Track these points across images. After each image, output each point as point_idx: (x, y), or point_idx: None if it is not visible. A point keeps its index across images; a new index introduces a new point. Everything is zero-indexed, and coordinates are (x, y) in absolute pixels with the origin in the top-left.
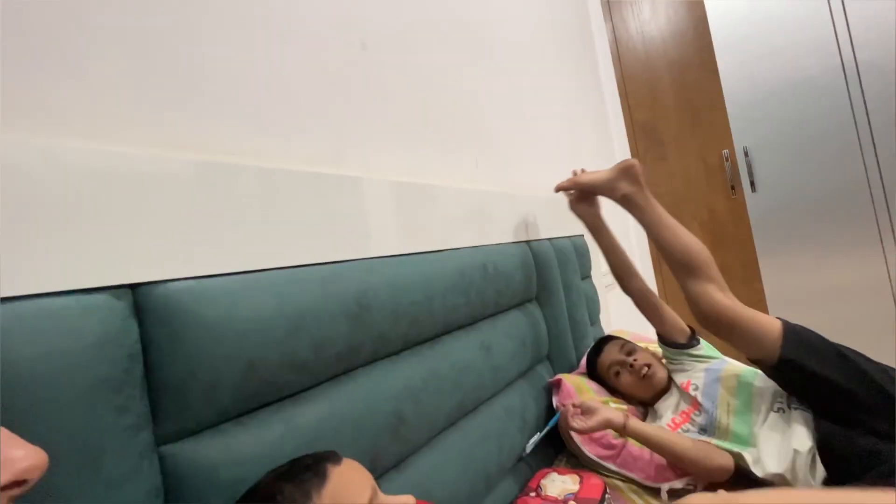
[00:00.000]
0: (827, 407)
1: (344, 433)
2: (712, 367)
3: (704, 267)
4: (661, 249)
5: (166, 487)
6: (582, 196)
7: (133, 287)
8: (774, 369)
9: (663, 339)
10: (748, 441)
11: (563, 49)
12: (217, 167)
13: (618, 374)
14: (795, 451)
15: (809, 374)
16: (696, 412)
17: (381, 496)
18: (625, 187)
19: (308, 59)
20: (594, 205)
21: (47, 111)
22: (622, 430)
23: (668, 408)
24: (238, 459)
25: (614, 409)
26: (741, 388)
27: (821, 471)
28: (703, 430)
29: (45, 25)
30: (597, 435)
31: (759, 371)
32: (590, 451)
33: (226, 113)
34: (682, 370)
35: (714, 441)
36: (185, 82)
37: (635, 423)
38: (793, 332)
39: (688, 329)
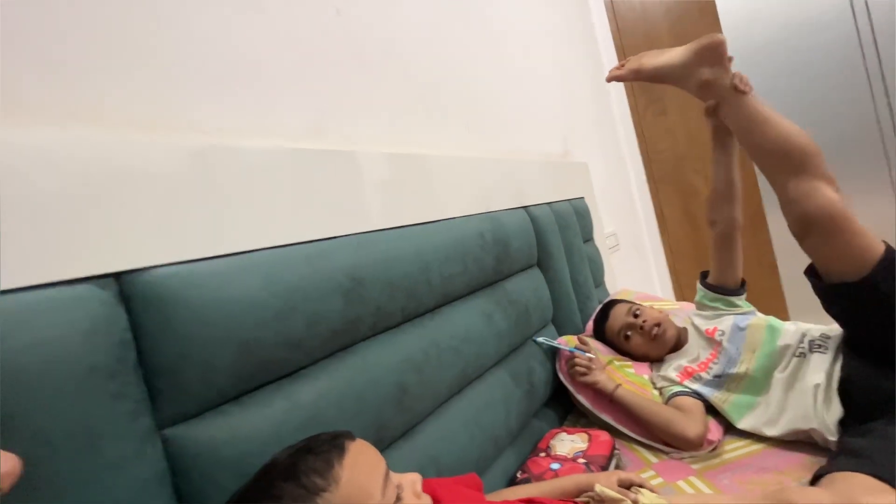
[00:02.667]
0: (869, 340)
1: (347, 407)
2: (743, 317)
3: (816, 160)
4: (757, 148)
5: (173, 469)
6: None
7: (117, 276)
8: (845, 287)
9: (709, 284)
10: (762, 388)
11: (553, 5)
12: (195, 150)
13: (628, 337)
14: (815, 386)
15: (881, 300)
16: (715, 360)
17: (392, 473)
18: (706, 73)
19: (278, 29)
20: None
21: (18, 101)
22: (612, 393)
23: (681, 357)
24: (242, 437)
25: (607, 377)
26: (770, 334)
27: (836, 409)
28: (717, 377)
29: (10, 15)
30: (606, 395)
31: (786, 324)
32: (597, 409)
33: (199, 93)
34: (714, 317)
35: (717, 395)
36: (157, 65)
37: (622, 393)
38: (890, 259)
39: (740, 279)
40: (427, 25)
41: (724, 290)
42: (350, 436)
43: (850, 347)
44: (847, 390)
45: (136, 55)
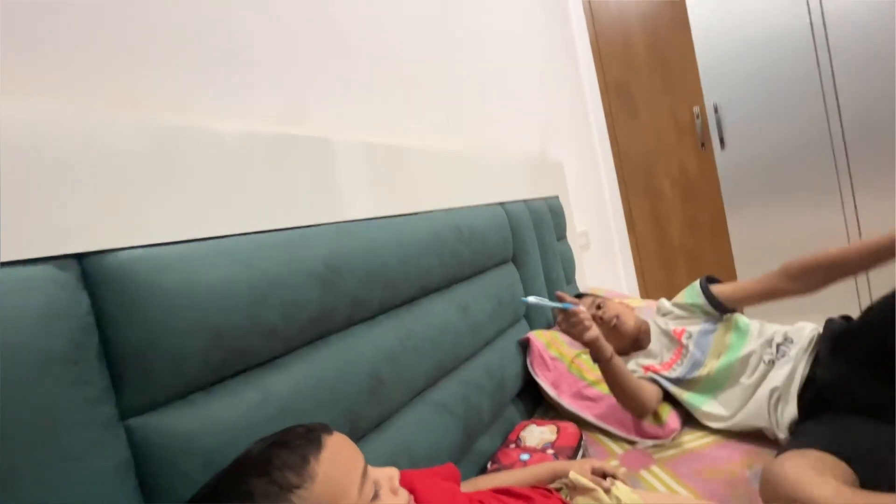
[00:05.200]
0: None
1: (322, 397)
2: (711, 323)
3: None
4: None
5: (136, 459)
6: None
7: (79, 257)
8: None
9: (712, 295)
10: (721, 386)
11: (535, 4)
12: (165, 129)
13: None
14: (772, 389)
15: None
16: (679, 362)
17: (370, 468)
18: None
19: (260, 9)
20: None
21: None
22: (606, 360)
23: (646, 357)
24: (212, 428)
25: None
26: (737, 339)
27: (791, 410)
28: (678, 379)
29: None
30: (575, 388)
31: (751, 323)
32: (566, 401)
33: (173, 71)
34: (686, 319)
35: (676, 389)
36: (132, 38)
37: (617, 360)
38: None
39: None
40: (413, 17)
41: (722, 307)
42: (326, 429)
43: (835, 346)
44: (811, 388)
45: (104, 26)
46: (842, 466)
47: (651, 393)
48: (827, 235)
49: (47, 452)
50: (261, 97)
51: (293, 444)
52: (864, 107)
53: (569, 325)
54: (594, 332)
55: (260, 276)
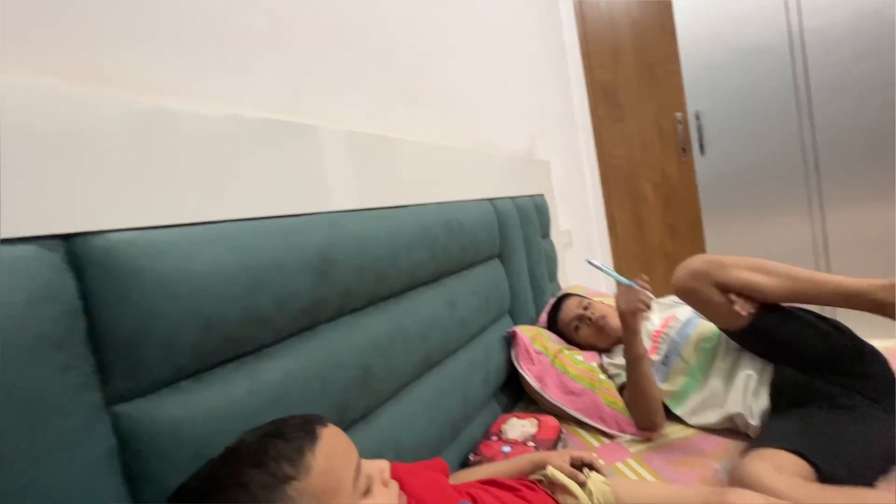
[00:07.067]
0: (786, 362)
1: (312, 387)
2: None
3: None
4: None
5: (122, 447)
6: None
7: (66, 238)
8: (740, 335)
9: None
10: (699, 377)
11: (527, 6)
12: (158, 109)
13: (577, 328)
14: (747, 375)
15: (773, 338)
16: (655, 355)
17: (362, 461)
18: None
19: None
20: None
21: None
22: (639, 358)
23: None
24: (202, 416)
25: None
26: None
27: (763, 400)
28: (663, 364)
29: None
30: (558, 382)
31: None
32: (550, 394)
33: (169, 52)
34: (675, 308)
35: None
36: (128, 17)
37: (649, 361)
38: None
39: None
40: (410, 11)
41: None
42: (322, 421)
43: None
44: (778, 388)
45: (105, 6)
46: (801, 464)
47: (662, 409)
48: (794, 243)
49: (31, 439)
50: (254, 82)
51: (289, 434)
52: (835, 122)
53: (627, 300)
54: (646, 316)
55: (255, 263)
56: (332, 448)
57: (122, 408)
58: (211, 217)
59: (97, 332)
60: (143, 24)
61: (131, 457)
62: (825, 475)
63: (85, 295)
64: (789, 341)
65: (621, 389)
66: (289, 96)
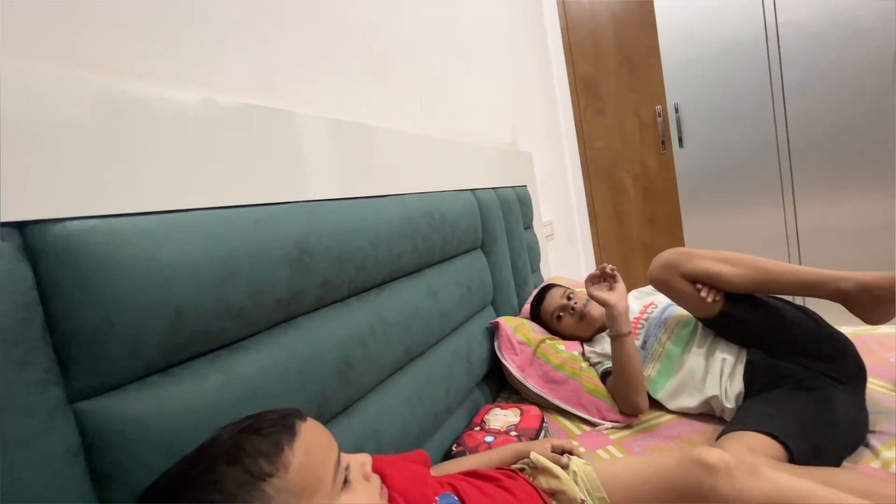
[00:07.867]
0: (757, 346)
1: (290, 380)
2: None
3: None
4: None
5: (87, 444)
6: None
7: (20, 226)
8: (713, 323)
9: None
10: (675, 361)
11: None
12: (120, 92)
13: (560, 317)
14: (723, 360)
15: (744, 325)
16: (634, 341)
17: (343, 455)
18: None
19: None
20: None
21: None
22: (623, 336)
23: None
24: (172, 412)
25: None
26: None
27: (738, 384)
28: (642, 349)
29: None
30: (541, 371)
31: None
32: (532, 384)
33: (140, 33)
34: (653, 295)
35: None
36: None
37: (632, 339)
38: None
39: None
40: None
41: None
42: (300, 415)
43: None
44: (750, 372)
45: None
46: (773, 444)
47: (645, 390)
48: (768, 235)
49: None
50: (231, 67)
51: (266, 430)
52: (808, 117)
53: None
54: (623, 301)
55: (227, 253)
56: (311, 443)
57: (85, 404)
58: (181, 205)
59: (56, 324)
60: (111, 3)
61: (97, 455)
62: (795, 456)
63: (42, 286)
64: (758, 327)
65: (604, 377)
66: (264, 81)
